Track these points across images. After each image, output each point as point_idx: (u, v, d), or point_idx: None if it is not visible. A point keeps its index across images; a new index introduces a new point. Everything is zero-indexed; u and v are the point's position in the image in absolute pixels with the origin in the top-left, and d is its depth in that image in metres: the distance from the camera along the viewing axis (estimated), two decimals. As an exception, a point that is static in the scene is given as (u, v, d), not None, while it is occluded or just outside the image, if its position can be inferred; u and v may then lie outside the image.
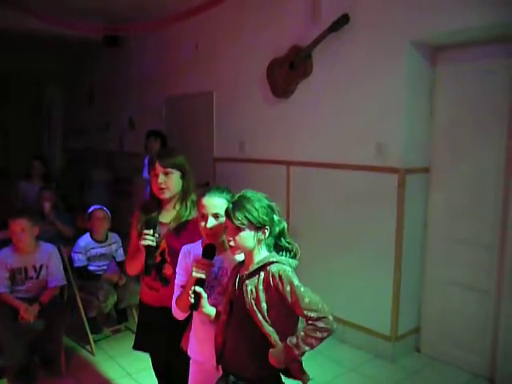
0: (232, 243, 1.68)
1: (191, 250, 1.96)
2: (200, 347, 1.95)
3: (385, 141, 3.28)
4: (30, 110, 8.06)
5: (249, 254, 1.71)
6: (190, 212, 2.16)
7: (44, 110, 8.31)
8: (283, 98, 3.97)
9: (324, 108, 3.68)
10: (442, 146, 3.33)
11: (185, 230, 2.13)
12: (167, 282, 2.15)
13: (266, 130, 4.22)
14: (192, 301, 1.78)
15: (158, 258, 2.16)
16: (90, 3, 4.76)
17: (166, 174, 2.12)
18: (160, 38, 5.48)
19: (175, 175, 2.14)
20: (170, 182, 2.13)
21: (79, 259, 3.65)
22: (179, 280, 1.96)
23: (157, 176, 2.12)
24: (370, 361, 3.40)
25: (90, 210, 3.78)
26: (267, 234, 1.69)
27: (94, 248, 3.73)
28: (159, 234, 2.11)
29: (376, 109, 3.32)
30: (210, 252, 1.82)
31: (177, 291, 1.95)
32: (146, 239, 2.03)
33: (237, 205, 1.67)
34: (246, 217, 1.64)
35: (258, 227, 1.66)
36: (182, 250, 2.00)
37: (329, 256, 3.73)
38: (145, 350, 2.36)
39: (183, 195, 2.18)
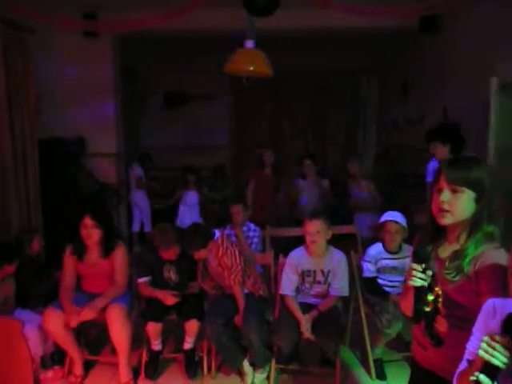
0: None
1: (499, 308, 1.32)
2: None
3: None
4: (346, 105, 8.29)
5: None
6: (477, 249, 1.50)
7: (360, 106, 8.43)
8: None
9: None
10: None
11: (467, 278, 1.49)
12: (439, 342, 1.57)
13: None
14: None
15: (430, 306, 1.56)
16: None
17: (454, 191, 1.52)
18: (489, 12, 4.50)
19: (466, 196, 1.51)
20: (457, 205, 1.51)
21: (368, 269, 3.36)
22: (472, 346, 1.34)
23: (440, 192, 1.54)
24: None
25: (383, 221, 3.37)
26: None
27: (384, 259, 3.36)
28: (433, 272, 1.55)
29: None
30: None
31: (464, 362, 1.36)
32: (413, 278, 1.51)
33: None
34: None
35: None
36: (485, 306, 1.36)
37: None
38: None
39: (473, 224, 1.53)
